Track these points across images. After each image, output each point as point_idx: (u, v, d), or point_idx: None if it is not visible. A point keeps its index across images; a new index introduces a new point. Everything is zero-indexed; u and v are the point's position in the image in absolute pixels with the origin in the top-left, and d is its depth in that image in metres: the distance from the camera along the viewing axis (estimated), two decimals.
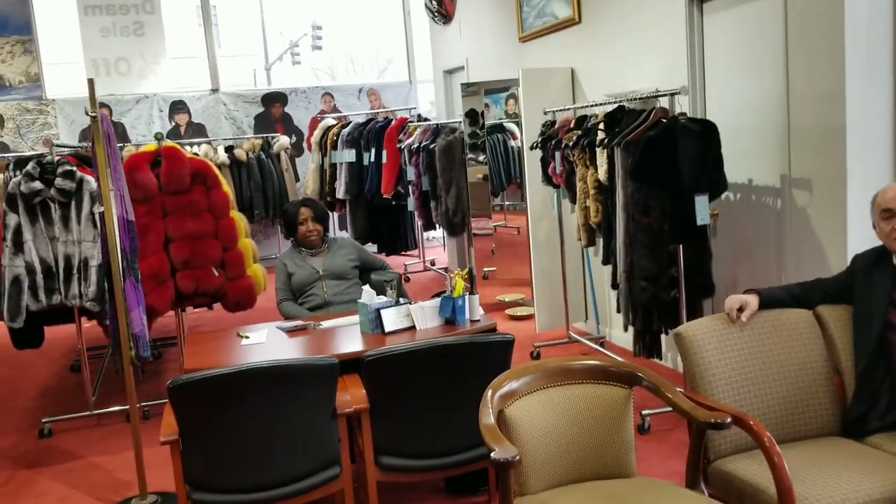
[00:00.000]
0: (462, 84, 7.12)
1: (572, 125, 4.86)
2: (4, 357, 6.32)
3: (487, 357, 3.03)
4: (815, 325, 2.81)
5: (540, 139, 5.24)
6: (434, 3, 8.27)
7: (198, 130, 9.63)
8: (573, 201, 4.85)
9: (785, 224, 3.91)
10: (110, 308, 3.62)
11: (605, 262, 4.59)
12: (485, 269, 7.20)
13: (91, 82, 3.34)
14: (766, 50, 3.94)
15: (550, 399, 2.53)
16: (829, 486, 2.30)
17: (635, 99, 4.34)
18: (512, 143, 6.78)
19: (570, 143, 4.69)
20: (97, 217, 4.13)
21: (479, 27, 7.57)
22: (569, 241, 5.41)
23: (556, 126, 5.11)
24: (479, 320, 3.70)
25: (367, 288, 3.72)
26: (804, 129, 3.72)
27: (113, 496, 3.75)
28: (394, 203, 7.84)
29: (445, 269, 8.38)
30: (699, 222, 3.80)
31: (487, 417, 2.34)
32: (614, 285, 4.43)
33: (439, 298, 3.68)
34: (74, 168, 4.32)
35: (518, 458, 2.14)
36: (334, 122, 8.55)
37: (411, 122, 7.80)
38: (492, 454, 2.15)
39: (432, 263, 8.92)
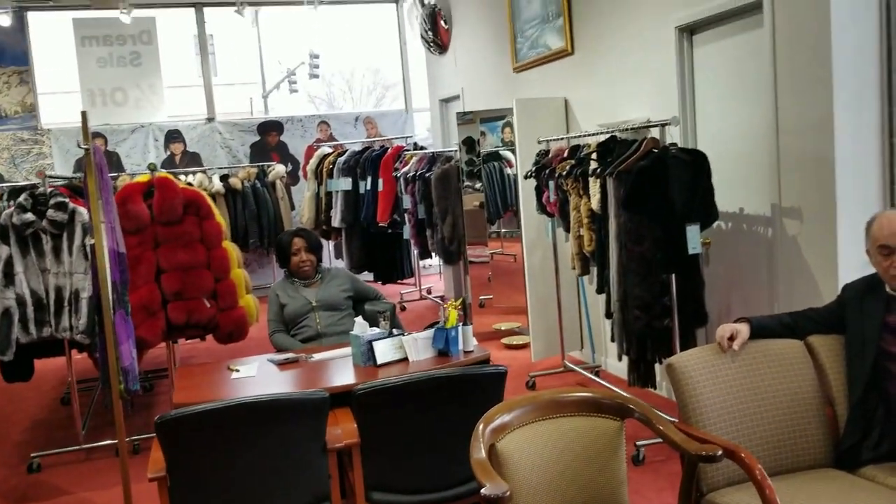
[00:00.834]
0: (458, 113, 7.17)
1: (566, 154, 4.88)
2: None
3: (480, 389, 3.01)
4: (807, 355, 2.80)
5: (534, 168, 5.26)
6: (430, 33, 8.34)
7: (193, 159, 9.65)
8: (567, 230, 4.86)
9: (776, 253, 3.91)
10: (100, 341, 3.60)
11: (600, 290, 4.58)
12: (481, 297, 7.18)
13: (84, 115, 3.35)
14: (755, 80, 3.97)
15: (542, 432, 2.51)
16: None
17: (627, 129, 4.36)
18: (508, 170, 6.79)
19: (564, 173, 4.71)
20: (88, 249, 4.13)
21: (474, 57, 7.63)
22: (563, 270, 5.41)
23: (550, 155, 5.13)
24: (472, 351, 3.68)
25: (359, 319, 3.70)
26: (793, 159, 3.73)
27: None
28: (390, 231, 7.85)
29: (442, 298, 8.36)
30: (691, 251, 3.80)
31: (478, 452, 2.32)
32: (608, 314, 4.42)
33: (432, 330, 3.66)
34: (66, 199, 4.32)
35: (509, 493, 2.12)
36: (330, 150, 8.58)
37: (407, 150, 7.84)
38: (482, 490, 2.13)
39: (429, 292, 8.91)
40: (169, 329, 4.52)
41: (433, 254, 7.50)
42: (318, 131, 10.20)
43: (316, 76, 16.53)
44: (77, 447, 4.72)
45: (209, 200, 4.72)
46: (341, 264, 8.27)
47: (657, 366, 4.19)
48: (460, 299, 3.75)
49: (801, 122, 3.66)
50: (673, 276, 3.94)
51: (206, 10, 9.97)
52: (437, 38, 8.29)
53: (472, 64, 7.69)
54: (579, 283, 5.67)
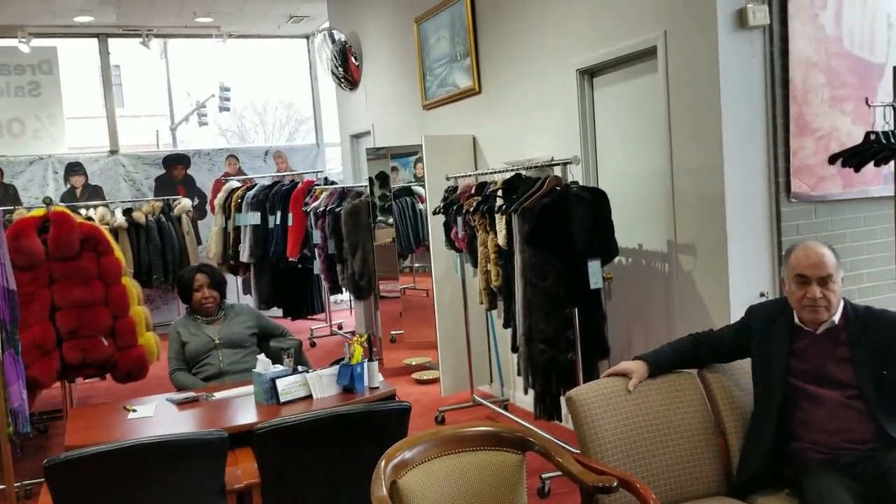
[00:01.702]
0: (368, 148, 7.19)
1: (473, 191, 4.95)
2: None
3: (384, 426, 3.00)
4: (700, 386, 2.91)
5: (442, 204, 5.31)
6: (340, 69, 8.37)
7: (95, 193, 9.36)
8: (475, 265, 4.92)
9: (673, 287, 4.06)
10: None
11: (506, 325, 4.65)
12: (392, 332, 7.16)
13: None
14: (652, 122, 4.14)
15: (444, 468, 2.52)
16: None
17: (531, 167, 4.47)
18: (420, 205, 6.84)
19: (471, 209, 4.78)
20: None
21: (384, 94, 7.69)
22: (472, 305, 5.46)
23: (458, 192, 5.19)
24: (378, 387, 3.67)
25: (262, 357, 3.65)
26: (687, 198, 3.90)
27: None
28: (300, 266, 7.78)
29: (353, 333, 8.30)
30: (593, 286, 3.91)
31: (379, 489, 2.30)
32: (514, 348, 4.48)
33: (337, 366, 3.64)
34: None
35: None
36: (239, 184, 8.47)
37: (318, 185, 7.81)
38: None
39: (339, 327, 8.83)
40: (64, 368, 4.35)
41: (344, 289, 7.45)
42: (227, 165, 10.06)
43: (227, 109, 16.35)
44: None
45: (108, 235, 4.59)
46: (249, 299, 8.13)
47: (562, 398, 4.26)
48: (366, 335, 3.74)
49: (693, 163, 3.84)
50: (576, 310, 4.03)
51: (111, 40, 9.76)
52: (348, 73, 8.33)
53: (382, 100, 7.76)
54: (488, 317, 5.73)
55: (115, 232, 7.64)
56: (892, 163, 3.40)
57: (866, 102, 3.58)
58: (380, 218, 6.75)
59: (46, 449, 5.35)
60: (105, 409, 3.68)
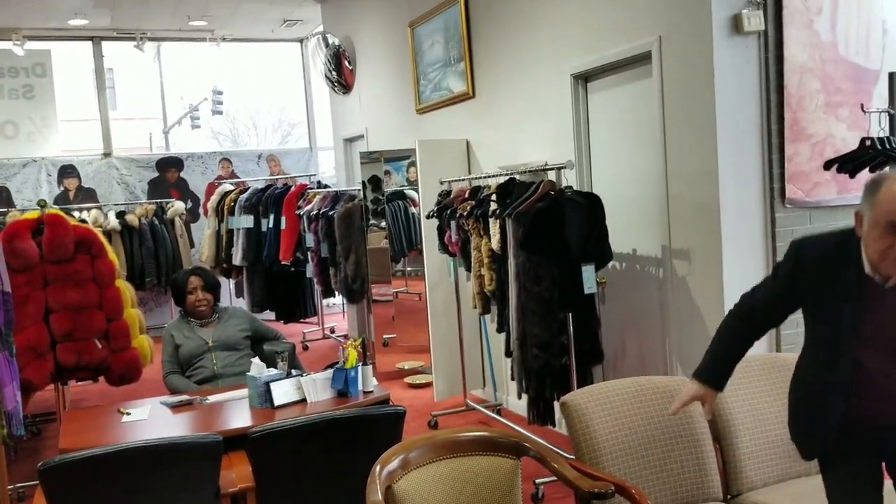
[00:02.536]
0: (361, 153, 7.19)
1: (467, 195, 4.96)
2: None
3: (378, 430, 2.99)
4: None
5: (436, 208, 5.32)
6: (334, 73, 8.37)
7: (88, 195, 9.33)
8: (469, 269, 4.92)
9: (667, 292, 4.07)
10: None
11: (500, 329, 4.65)
12: (385, 335, 7.15)
13: None
14: (646, 127, 4.15)
15: (439, 472, 2.52)
16: None
17: (526, 171, 4.48)
18: (413, 209, 6.84)
19: (465, 213, 4.78)
20: None
21: (377, 98, 7.70)
22: (466, 309, 5.46)
23: (452, 196, 5.20)
24: (372, 391, 3.67)
25: (256, 360, 3.64)
26: (682, 203, 3.91)
27: None
28: (292, 269, 7.77)
29: (345, 337, 8.29)
30: (586, 291, 3.91)
31: (374, 494, 2.30)
32: (508, 353, 4.48)
33: (332, 370, 3.64)
34: None
35: None
36: (232, 187, 8.46)
37: (311, 188, 7.81)
38: None
39: (332, 331, 8.81)
40: (58, 371, 4.34)
41: (336, 292, 7.45)
42: (220, 168, 10.05)
43: (219, 112, 16.33)
44: None
45: (102, 238, 4.57)
46: (242, 303, 8.11)
47: (556, 403, 4.27)
48: (360, 339, 3.74)
49: (688, 168, 3.85)
50: (570, 314, 4.04)
51: (105, 43, 9.74)
52: (342, 77, 8.33)
53: (375, 104, 7.76)
54: (481, 321, 5.73)
55: (108, 234, 7.63)
56: (886, 169, 3.42)
57: (861, 108, 3.60)
58: (372, 221, 6.74)
59: (40, 452, 5.33)
60: (99, 412, 3.67)
